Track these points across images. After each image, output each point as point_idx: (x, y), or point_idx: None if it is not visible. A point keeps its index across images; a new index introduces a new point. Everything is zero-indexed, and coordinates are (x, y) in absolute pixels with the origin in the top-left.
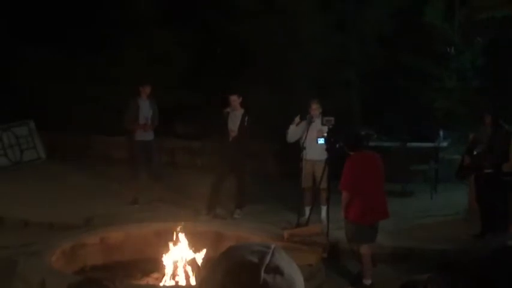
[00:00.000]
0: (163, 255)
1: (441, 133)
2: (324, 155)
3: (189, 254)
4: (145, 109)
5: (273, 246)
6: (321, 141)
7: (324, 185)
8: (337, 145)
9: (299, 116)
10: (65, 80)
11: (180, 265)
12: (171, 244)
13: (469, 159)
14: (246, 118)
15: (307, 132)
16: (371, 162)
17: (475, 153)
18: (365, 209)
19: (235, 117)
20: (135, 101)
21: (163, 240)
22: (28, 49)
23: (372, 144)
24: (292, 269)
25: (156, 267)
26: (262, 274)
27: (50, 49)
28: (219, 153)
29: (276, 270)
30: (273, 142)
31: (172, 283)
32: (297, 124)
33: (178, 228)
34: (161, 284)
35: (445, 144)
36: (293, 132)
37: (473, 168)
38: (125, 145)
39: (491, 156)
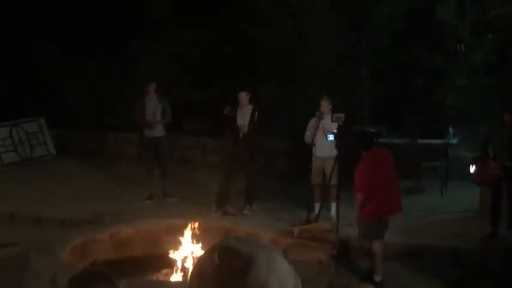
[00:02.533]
0: (173, 251)
1: (451, 130)
2: (333, 152)
3: (199, 250)
4: (152, 106)
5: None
6: (331, 137)
7: (333, 181)
8: (347, 142)
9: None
10: (78, 77)
11: (190, 261)
12: (181, 240)
13: (494, 164)
14: (256, 114)
15: (317, 129)
16: (384, 159)
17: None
18: (379, 205)
19: (244, 113)
20: (142, 99)
21: (174, 236)
22: (42, 46)
23: (382, 141)
24: (251, 247)
25: (166, 263)
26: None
27: (63, 47)
28: (228, 149)
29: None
30: (283, 138)
31: (182, 279)
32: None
33: (188, 225)
34: (171, 280)
35: (455, 141)
36: (309, 135)
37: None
38: (136, 142)
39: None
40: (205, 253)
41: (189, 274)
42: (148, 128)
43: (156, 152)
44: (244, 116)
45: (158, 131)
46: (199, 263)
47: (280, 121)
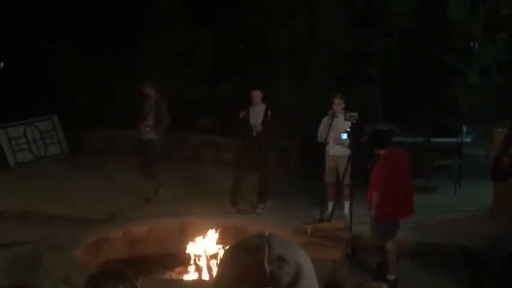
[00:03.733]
0: (187, 249)
1: (464, 128)
2: (346, 151)
3: (212, 249)
4: (145, 108)
5: (267, 235)
6: (344, 136)
7: (347, 180)
8: (360, 140)
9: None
10: (90, 77)
11: (203, 259)
12: (194, 238)
13: (507, 159)
14: (269, 113)
15: (330, 127)
16: (401, 158)
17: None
18: (397, 205)
19: (257, 112)
20: (146, 101)
21: (187, 235)
22: (53, 46)
23: (395, 139)
24: (295, 253)
25: (179, 261)
26: (267, 268)
27: (75, 47)
28: (242, 148)
29: (279, 259)
30: (296, 137)
31: (196, 277)
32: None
33: (201, 223)
34: (184, 278)
35: (468, 139)
36: (322, 133)
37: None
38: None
39: None
40: (239, 253)
41: (220, 273)
42: (140, 130)
43: (144, 155)
44: (257, 115)
45: (147, 134)
46: (240, 264)
47: (292, 119)
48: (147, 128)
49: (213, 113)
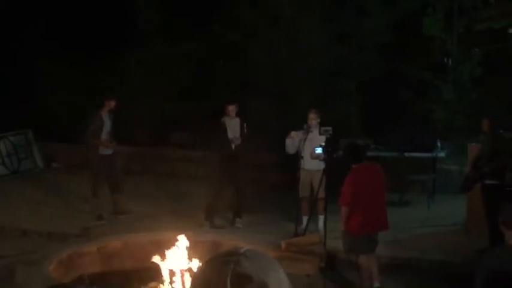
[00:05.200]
0: (161, 264)
1: (438, 143)
2: (321, 165)
3: (187, 264)
4: (108, 124)
5: (242, 251)
6: (319, 150)
7: (321, 194)
8: (335, 155)
9: (293, 131)
10: (68, 91)
11: (178, 274)
12: (168, 253)
13: (472, 172)
14: (245, 125)
15: (304, 142)
16: (373, 173)
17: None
18: (365, 220)
19: (234, 125)
20: (99, 114)
21: (161, 250)
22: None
23: (370, 154)
24: (264, 273)
25: (154, 276)
26: (229, 287)
27: (53, 60)
28: (220, 162)
29: (244, 278)
30: (271, 152)
31: None
32: (292, 137)
33: (176, 238)
34: None
35: (442, 154)
36: (290, 144)
37: (475, 180)
38: (123, 154)
39: (492, 166)
40: (208, 269)
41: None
42: (105, 147)
43: (110, 171)
44: (233, 128)
45: (112, 149)
46: (206, 280)
47: (269, 134)
48: (112, 143)
49: (188, 128)
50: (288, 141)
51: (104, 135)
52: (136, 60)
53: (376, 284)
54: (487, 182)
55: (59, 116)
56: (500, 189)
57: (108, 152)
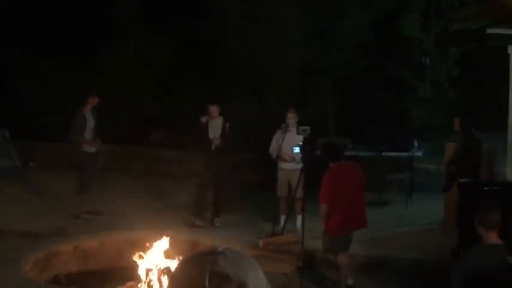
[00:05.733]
0: (138, 263)
1: (415, 143)
2: (299, 164)
3: (164, 263)
4: (91, 121)
5: (220, 250)
6: (296, 150)
7: (299, 194)
8: (312, 154)
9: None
10: (46, 87)
11: (155, 273)
12: (146, 252)
13: (446, 171)
14: (227, 125)
15: (282, 141)
16: (351, 172)
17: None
18: (345, 219)
19: (215, 125)
20: (82, 112)
21: (139, 249)
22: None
23: (347, 153)
24: (243, 272)
25: (131, 275)
26: (207, 285)
27: (30, 56)
28: (201, 162)
29: (222, 277)
30: (249, 150)
31: None
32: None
33: (154, 237)
34: None
35: (419, 153)
36: (274, 150)
37: (450, 179)
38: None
39: (461, 165)
40: (186, 268)
41: (169, 286)
42: (90, 145)
43: (94, 168)
44: (215, 128)
45: (95, 147)
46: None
47: (246, 132)
48: (95, 141)
49: (166, 127)
50: (271, 148)
51: (88, 133)
52: (114, 56)
53: (350, 282)
54: (462, 180)
55: (36, 114)
56: (476, 188)
57: (92, 150)
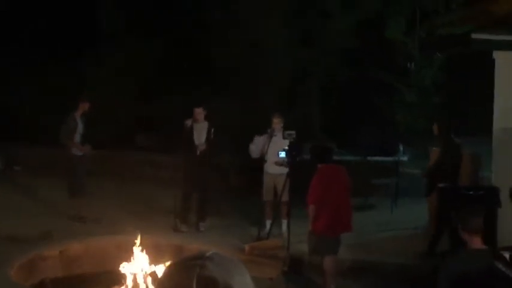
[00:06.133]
0: (124, 268)
1: (401, 147)
2: (285, 169)
3: (150, 267)
4: (81, 126)
5: (207, 254)
6: (282, 154)
7: (285, 198)
8: (298, 158)
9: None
10: (31, 90)
11: (140, 278)
12: (131, 257)
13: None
14: (212, 130)
15: (268, 145)
16: (338, 175)
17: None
18: (331, 221)
19: (200, 130)
20: (73, 116)
21: (124, 253)
22: None
23: (334, 158)
24: (230, 276)
25: (117, 280)
26: None
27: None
28: (185, 166)
29: (209, 281)
30: (235, 155)
31: None
32: (255, 143)
33: (140, 241)
34: None
35: (405, 158)
36: (254, 149)
37: (431, 183)
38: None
39: (444, 170)
40: (173, 272)
41: None
42: (79, 150)
43: (83, 171)
44: (200, 133)
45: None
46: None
47: (231, 136)
48: (84, 146)
49: (152, 131)
50: (251, 146)
51: (77, 137)
52: (99, 60)
53: (332, 286)
54: (441, 185)
55: (21, 117)
56: (454, 192)
57: (80, 153)
